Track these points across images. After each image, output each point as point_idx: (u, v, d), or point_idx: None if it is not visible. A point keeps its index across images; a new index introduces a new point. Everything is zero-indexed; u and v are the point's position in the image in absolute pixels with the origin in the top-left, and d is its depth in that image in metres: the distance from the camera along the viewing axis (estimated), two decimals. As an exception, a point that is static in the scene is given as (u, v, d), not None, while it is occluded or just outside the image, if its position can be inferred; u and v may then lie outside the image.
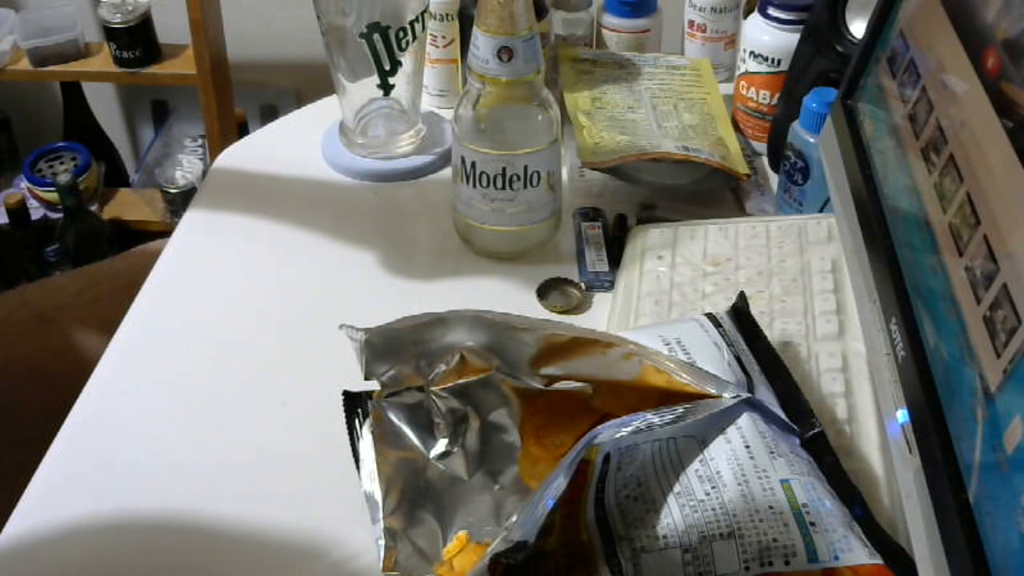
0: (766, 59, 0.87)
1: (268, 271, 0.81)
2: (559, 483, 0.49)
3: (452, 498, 0.58)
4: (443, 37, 0.93)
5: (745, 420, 0.54)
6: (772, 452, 0.52)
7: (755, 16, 0.88)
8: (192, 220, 0.86)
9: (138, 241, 1.04)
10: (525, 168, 0.75)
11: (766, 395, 0.57)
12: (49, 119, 2.05)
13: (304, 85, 1.94)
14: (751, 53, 0.88)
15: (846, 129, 0.65)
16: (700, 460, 0.53)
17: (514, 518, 0.52)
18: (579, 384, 0.57)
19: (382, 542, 0.56)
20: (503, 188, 0.75)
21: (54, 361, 0.84)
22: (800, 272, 0.70)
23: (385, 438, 0.59)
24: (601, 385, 0.57)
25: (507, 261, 0.80)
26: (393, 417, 0.60)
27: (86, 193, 1.84)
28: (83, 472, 0.65)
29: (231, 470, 0.65)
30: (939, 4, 0.54)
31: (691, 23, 0.96)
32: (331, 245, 0.82)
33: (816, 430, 0.55)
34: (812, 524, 0.49)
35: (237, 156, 0.95)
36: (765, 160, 0.90)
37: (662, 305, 0.70)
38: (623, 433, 0.52)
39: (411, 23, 0.84)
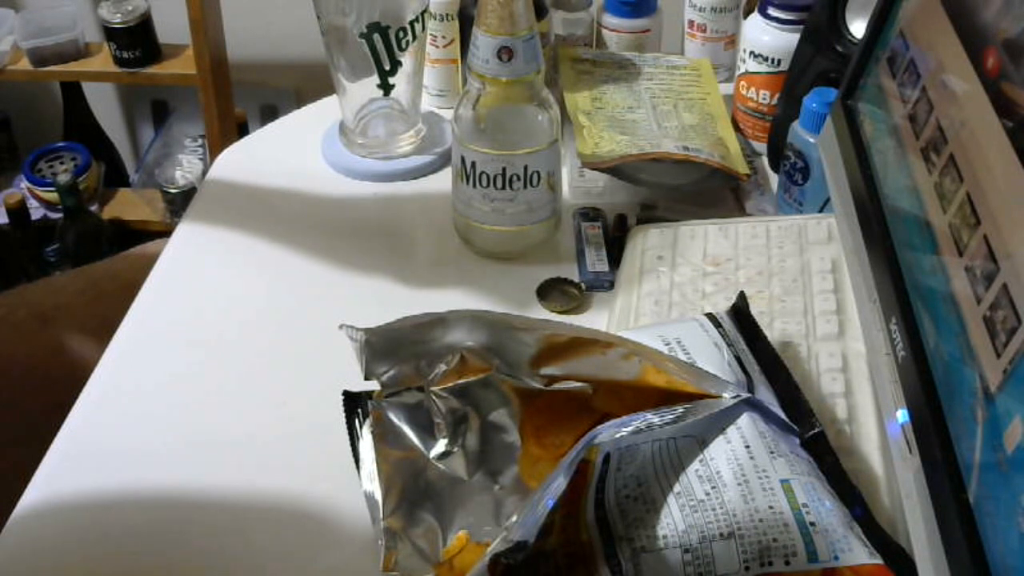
0: (766, 59, 0.87)
1: (268, 271, 0.81)
2: (559, 483, 0.49)
3: (452, 498, 0.58)
4: (443, 37, 0.93)
5: (745, 420, 0.54)
6: (772, 452, 0.52)
7: (755, 16, 0.88)
8: (192, 220, 0.86)
9: (138, 241, 1.04)
10: (525, 168, 0.75)
11: (766, 395, 0.57)
12: (49, 119, 2.05)
13: (304, 85, 1.94)
14: (751, 53, 0.88)
15: (846, 129, 0.65)
16: (700, 460, 0.53)
17: (514, 518, 0.52)
18: (579, 384, 0.57)
19: (382, 542, 0.56)
20: (503, 188, 0.75)
21: (54, 361, 0.84)
22: (800, 272, 0.70)
23: (385, 438, 0.59)
24: (601, 385, 0.57)
25: (507, 261, 0.80)
26: (393, 417, 0.60)
27: (86, 193, 1.84)
28: (83, 472, 0.65)
29: (231, 470, 0.65)
30: (939, 4, 0.54)
31: (691, 23, 0.96)
32: (331, 245, 0.82)
33: (816, 430, 0.55)
34: (812, 524, 0.49)
35: (237, 156, 0.95)
36: (765, 160, 0.90)
37: (662, 305, 0.70)
38: (623, 433, 0.52)
39: (411, 23, 0.84)
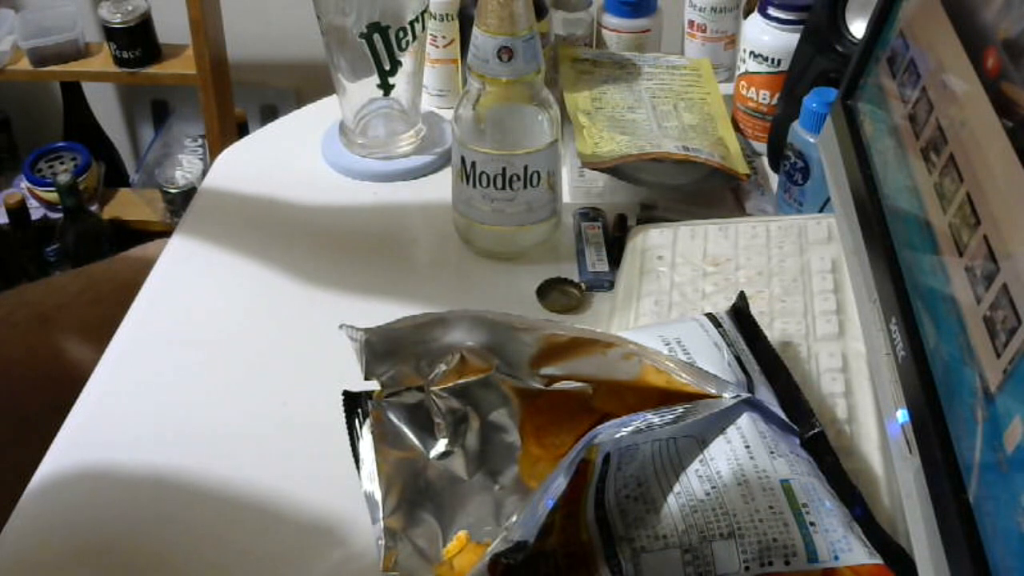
0: (766, 59, 0.87)
1: (268, 271, 0.81)
2: (559, 483, 0.49)
3: (452, 498, 0.58)
4: (443, 37, 0.93)
5: (745, 420, 0.54)
6: (772, 452, 0.52)
7: (755, 16, 0.88)
8: (192, 220, 0.86)
9: (138, 241, 1.04)
10: (525, 168, 0.75)
11: (766, 395, 0.57)
12: (49, 119, 2.05)
13: (304, 85, 1.94)
14: (751, 53, 0.88)
15: (846, 129, 0.65)
16: (700, 460, 0.53)
17: (514, 518, 0.52)
18: (579, 384, 0.57)
19: (382, 542, 0.56)
20: (503, 188, 0.75)
21: (54, 361, 0.84)
22: (800, 272, 0.70)
23: (385, 438, 0.59)
24: (601, 385, 0.57)
25: (507, 261, 0.80)
26: (393, 417, 0.60)
27: (86, 193, 1.84)
28: (83, 472, 0.65)
29: (231, 470, 0.65)
30: (939, 4, 0.54)
31: (691, 23, 0.96)
32: (331, 245, 0.82)
33: (816, 430, 0.55)
34: (812, 524, 0.49)
35: (237, 156, 0.95)
36: (765, 160, 0.90)
37: (662, 305, 0.70)
38: (623, 433, 0.52)
39: (411, 23, 0.84)
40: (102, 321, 0.79)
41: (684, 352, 0.59)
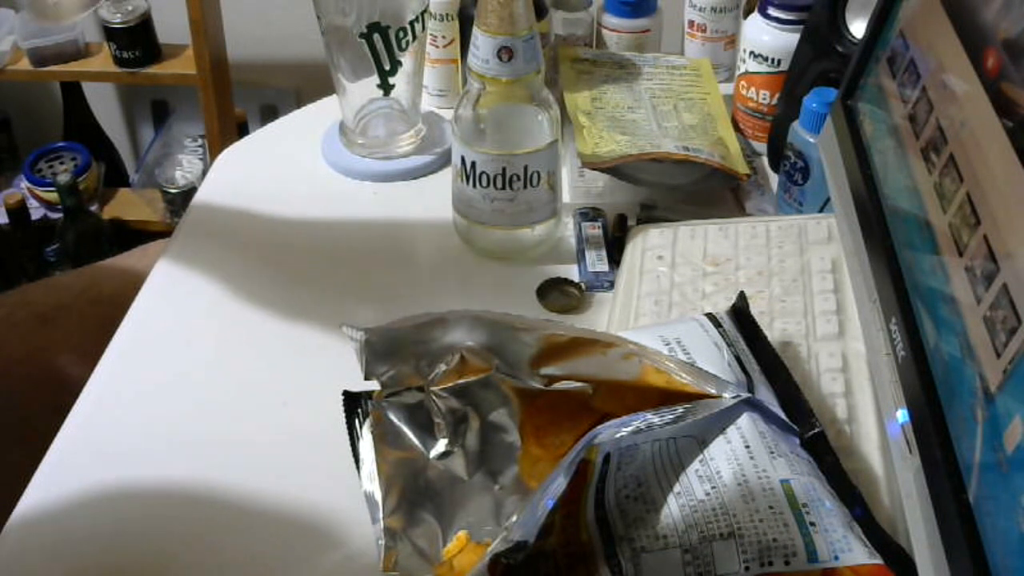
0: (766, 59, 0.87)
1: (268, 271, 0.81)
2: (559, 483, 0.49)
3: (452, 498, 0.58)
4: (443, 37, 0.93)
5: (745, 420, 0.54)
6: (772, 452, 0.52)
7: (755, 16, 0.88)
8: (192, 220, 0.87)
9: (138, 241, 1.04)
10: (525, 168, 0.75)
11: (766, 395, 0.57)
12: (49, 119, 2.05)
13: (304, 85, 1.94)
14: (751, 53, 0.88)
15: (846, 129, 0.65)
16: (700, 460, 0.53)
17: (514, 518, 0.52)
18: (579, 384, 0.57)
19: (382, 542, 0.56)
20: (503, 188, 0.75)
21: (54, 361, 0.84)
22: (800, 272, 0.70)
23: (385, 438, 0.59)
24: (601, 385, 0.57)
25: (507, 261, 0.80)
26: (393, 417, 0.60)
27: (86, 193, 1.84)
28: (83, 472, 0.65)
29: (231, 470, 0.65)
30: (939, 4, 0.54)
31: (691, 23, 0.96)
32: (331, 245, 0.82)
33: (816, 430, 0.55)
34: (812, 524, 0.49)
35: (237, 156, 0.95)
36: (765, 160, 0.90)
37: (662, 305, 0.70)
38: (623, 433, 0.52)
39: (411, 23, 0.84)
40: (102, 321, 0.79)
41: (684, 352, 0.59)
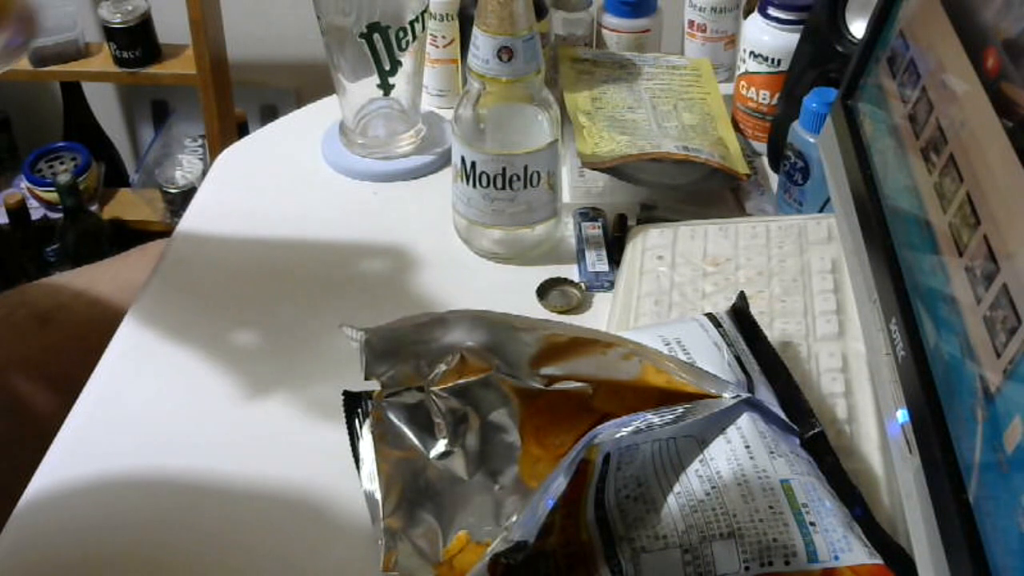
0: (766, 59, 0.87)
1: (268, 271, 0.81)
2: (559, 483, 0.49)
3: (452, 498, 0.58)
4: (443, 37, 0.93)
5: (745, 420, 0.54)
6: (772, 452, 0.52)
7: (755, 16, 0.88)
8: (192, 220, 0.86)
9: (138, 241, 1.04)
10: (525, 168, 0.75)
11: (766, 395, 0.57)
12: (49, 119, 2.05)
13: (304, 85, 1.94)
14: (751, 53, 0.88)
15: (846, 129, 0.65)
16: (700, 460, 0.53)
17: (514, 518, 0.52)
18: (579, 384, 0.57)
19: (382, 542, 0.56)
20: (503, 188, 0.75)
21: (54, 361, 0.84)
22: (800, 272, 0.70)
23: (385, 438, 0.59)
24: (601, 385, 0.57)
25: (507, 261, 0.80)
26: (393, 417, 0.60)
27: (86, 193, 1.84)
28: (83, 473, 0.65)
29: (231, 470, 0.65)
30: (939, 4, 0.54)
31: (691, 23, 0.96)
32: (331, 245, 0.82)
33: (816, 430, 0.55)
34: (812, 524, 0.49)
35: (237, 156, 0.95)
36: (765, 160, 0.90)
37: (662, 305, 0.70)
38: (623, 433, 0.52)
39: (411, 23, 0.84)
40: (102, 321, 0.79)
41: (684, 352, 0.59)
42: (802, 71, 0.83)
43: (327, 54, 0.87)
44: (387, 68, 0.85)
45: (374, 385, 0.60)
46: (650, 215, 0.83)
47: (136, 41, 1.72)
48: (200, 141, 1.97)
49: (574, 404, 0.58)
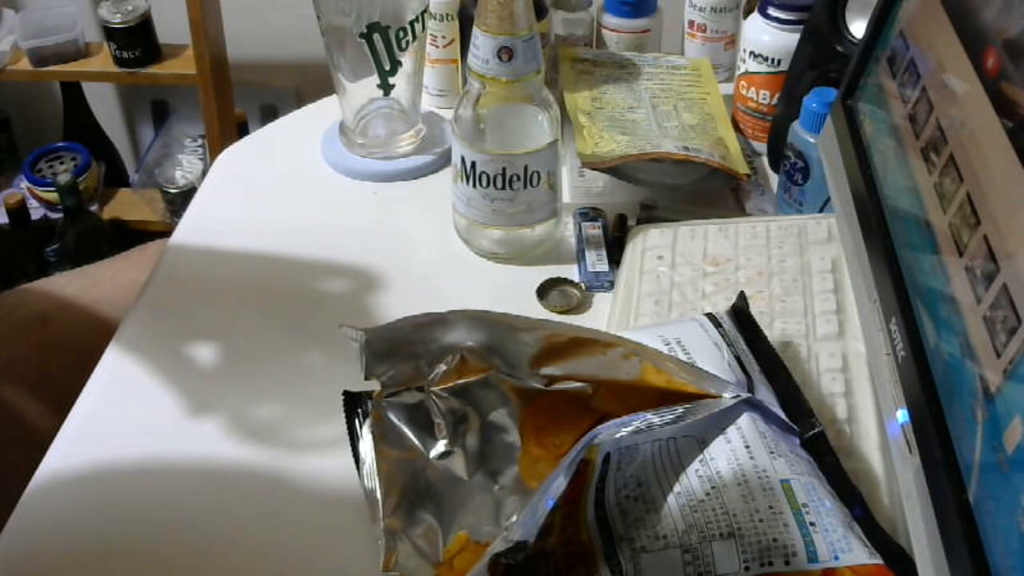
0: (766, 59, 0.87)
1: (268, 272, 0.81)
2: (559, 483, 0.49)
3: (452, 498, 0.58)
4: (443, 37, 0.93)
5: (745, 420, 0.54)
6: (772, 452, 0.52)
7: (755, 16, 0.88)
8: (192, 220, 0.86)
9: (138, 241, 1.04)
10: (525, 168, 0.75)
11: (766, 395, 0.57)
12: (49, 119, 2.05)
13: (304, 85, 1.94)
14: (751, 53, 0.88)
15: (846, 129, 0.65)
16: (700, 460, 0.53)
17: (514, 518, 0.52)
18: (579, 384, 0.57)
19: (382, 542, 0.56)
20: (503, 188, 0.75)
21: (54, 361, 0.84)
22: (800, 272, 0.70)
23: (385, 438, 0.59)
24: (601, 385, 0.57)
25: (507, 261, 0.80)
26: (393, 417, 0.60)
27: (86, 193, 1.84)
28: (83, 473, 0.65)
29: (230, 469, 0.65)
30: (939, 4, 0.54)
31: (691, 23, 0.96)
32: (331, 245, 0.82)
33: (816, 430, 0.55)
34: (812, 524, 0.49)
35: (237, 156, 0.95)
36: (765, 160, 0.90)
37: (662, 305, 0.70)
38: (623, 433, 0.52)
39: (411, 23, 0.84)
40: (102, 321, 0.79)
41: (684, 352, 0.59)
42: (802, 71, 0.83)
43: (327, 54, 0.87)
44: (387, 68, 0.85)
45: (374, 385, 0.60)
46: (650, 215, 0.83)
47: (136, 41, 1.72)
48: (200, 141, 1.97)
49: (574, 404, 0.58)
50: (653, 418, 0.52)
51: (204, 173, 1.67)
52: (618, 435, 0.52)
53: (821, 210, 0.78)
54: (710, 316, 0.62)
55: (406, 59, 0.85)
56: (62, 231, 1.81)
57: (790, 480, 0.51)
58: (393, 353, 0.59)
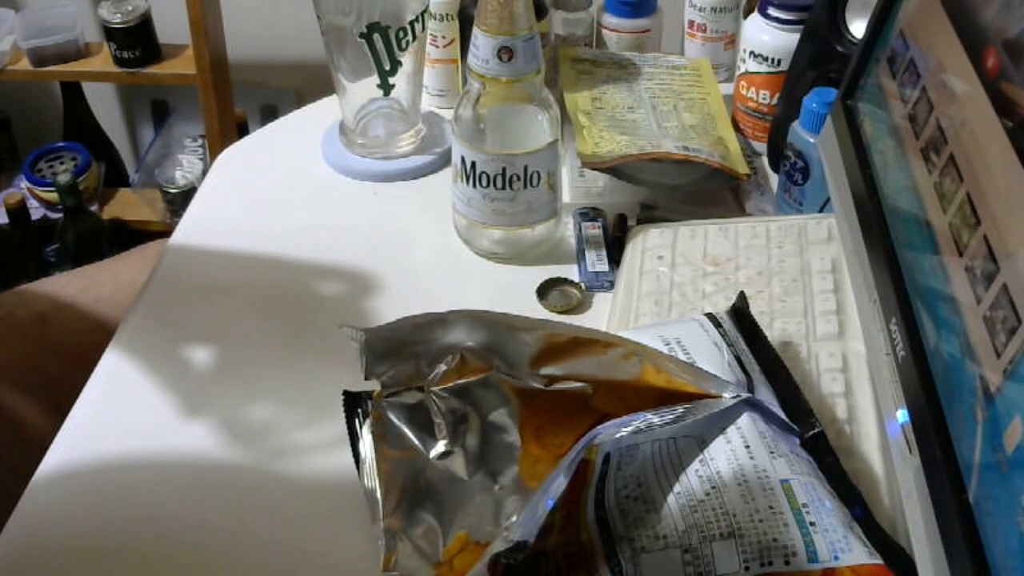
0: (766, 59, 0.87)
1: (268, 271, 0.81)
2: (559, 483, 0.49)
3: (452, 498, 0.58)
4: (443, 37, 0.93)
5: (745, 420, 0.54)
6: (772, 452, 0.52)
7: (755, 16, 0.88)
8: (192, 220, 0.86)
9: (138, 241, 1.04)
10: (525, 168, 0.75)
11: (766, 395, 0.57)
12: (49, 119, 2.05)
13: (304, 85, 1.94)
14: (751, 53, 0.88)
15: (846, 129, 0.65)
16: (700, 460, 0.53)
17: (514, 518, 0.52)
18: (579, 384, 0.57)
19: (382, 542, 0.56)
20: (503, 188, 0.75)
21: (54, 361, 0.84)
22: (800, 272, 0.70)
23: (385, 438, 0.59)
24: (601, 385, 0.57)
25: (507, 261, 0.80)
26: (393, 417, 0.60)
27: (86, 193, 1.84)
28: (82, 473, 0.65)
29: (231, 470, 0.65)
30: (939, 4, 0.54)
31: (691, 23, 0.96)
32: (331, 245, 0.82)
33: (816, 430, 0.55)
34: (812, 524, 0.49)
35: (237, 156, 0.95)
36: (765, 160, 0.90)
37: (662, 305, 0.70)
38: (623, 433, 0.52)
39: (411, 23, 0.84)
40: (102, 321, 0.79)
41: (684, 352, 0.59)
42: (802, 71, 0.83)
43: (327, 54, 0.87)
44: (387, 68, 0.85)
45: (374, 385, 0.60)
46: (650, 215, 0.83)
47: (136, 41, 1.72)
48: (200, 141, 1.97)
49: (574, 404, 0.58)
50: (653, 418, 0.52)
51: (204, 173, 1.67)
52: (618, 435, 0.52)
53: (821, 210, 0.78)
54: (710, 316, 0.62)
55: (406, 59, 0.85)
56: (62, 231, 1.81)
57: (790, 480, 0.51)
58: (393, 353, 0.59)
